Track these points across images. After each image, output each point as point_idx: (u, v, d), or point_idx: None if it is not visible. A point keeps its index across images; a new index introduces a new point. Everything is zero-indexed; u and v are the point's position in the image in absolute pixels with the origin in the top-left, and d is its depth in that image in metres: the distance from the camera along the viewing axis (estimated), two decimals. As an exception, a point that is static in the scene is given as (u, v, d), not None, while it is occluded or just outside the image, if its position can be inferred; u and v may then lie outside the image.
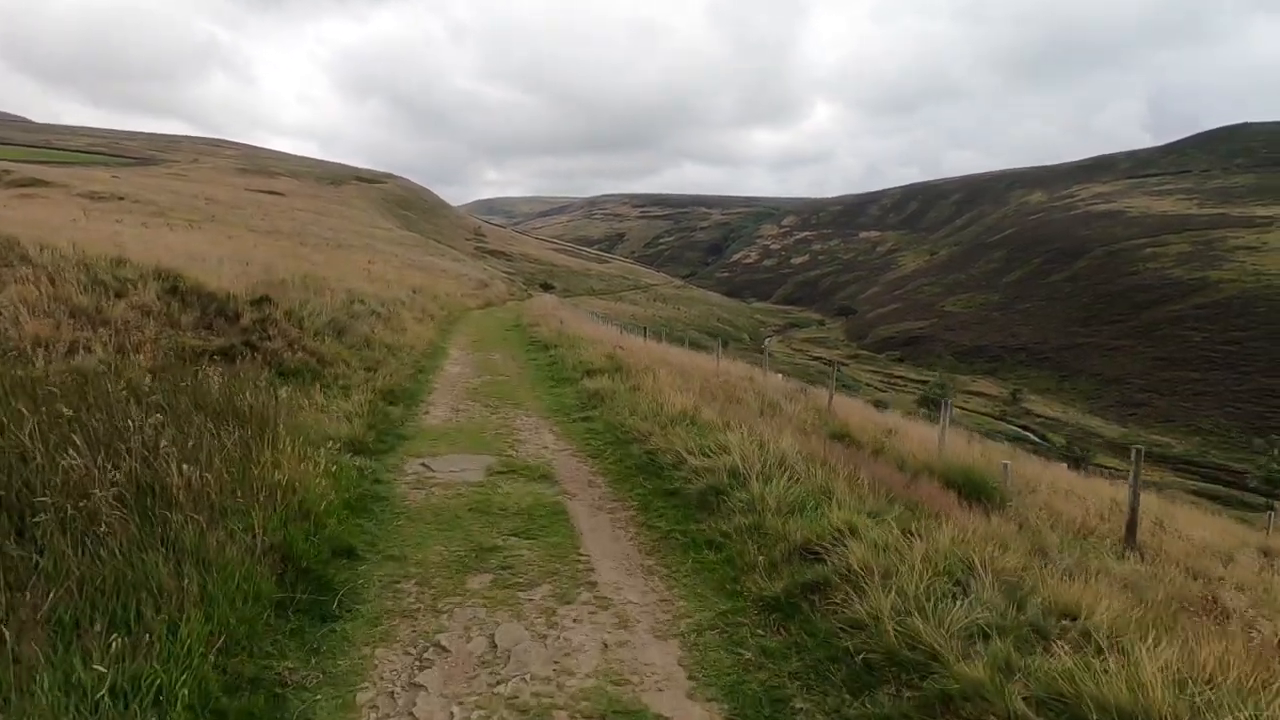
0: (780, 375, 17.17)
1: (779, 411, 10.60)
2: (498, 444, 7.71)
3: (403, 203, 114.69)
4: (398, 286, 26.39)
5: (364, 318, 13.53)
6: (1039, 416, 69.50)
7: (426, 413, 9.15)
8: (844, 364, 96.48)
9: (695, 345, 31.81)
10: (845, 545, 4.09)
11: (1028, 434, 57.31)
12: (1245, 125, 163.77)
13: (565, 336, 17.28)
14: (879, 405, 23.44)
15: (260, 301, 10.04)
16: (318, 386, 8.34)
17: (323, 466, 5.07)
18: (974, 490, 7.15)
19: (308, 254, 30.44)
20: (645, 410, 8.30)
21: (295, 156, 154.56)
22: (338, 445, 6.24)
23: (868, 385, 78.19)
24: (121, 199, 52.25)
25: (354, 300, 14.99)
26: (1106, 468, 40.39)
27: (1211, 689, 2.75)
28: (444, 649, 3.62)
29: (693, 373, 13.67)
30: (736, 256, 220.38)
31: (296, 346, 9.38)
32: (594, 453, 7.56)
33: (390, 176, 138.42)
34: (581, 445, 7.87)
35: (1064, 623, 3.40)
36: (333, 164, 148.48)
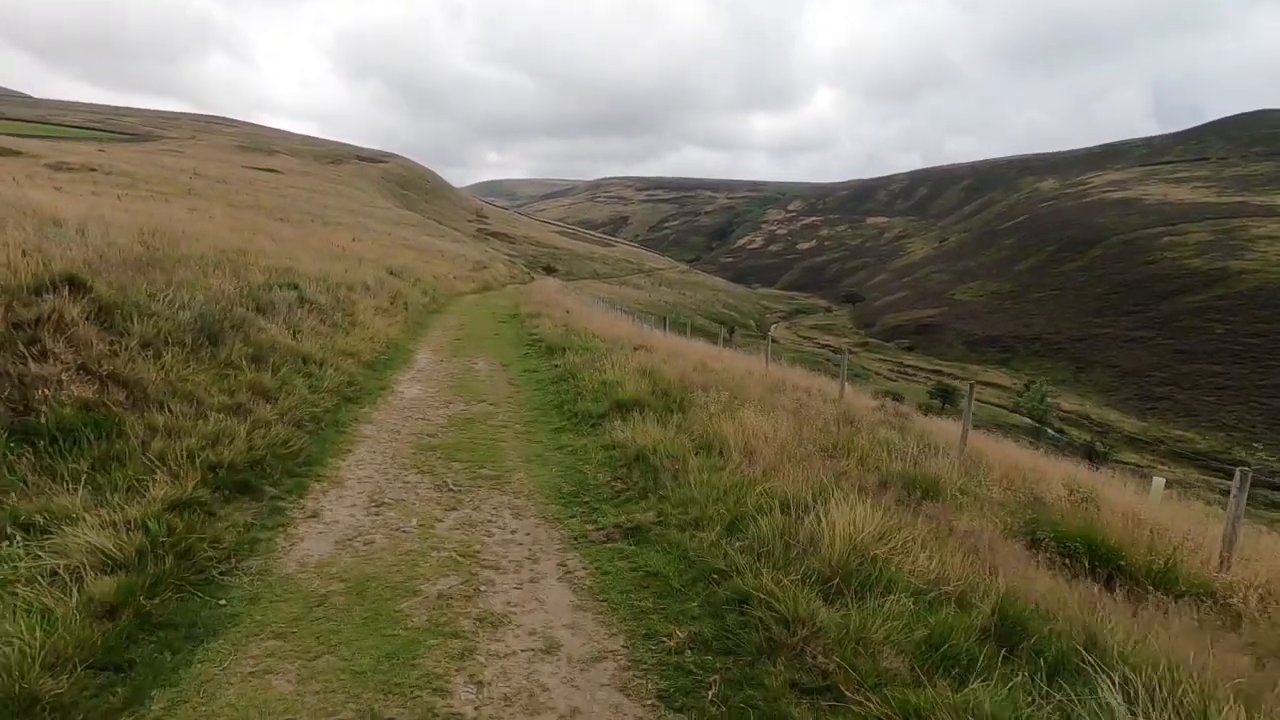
0: (848, 385, 12.97)
1: (924, 469, 6.26)
2: (437, 651, 3.19)
3: (403, 182, 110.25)
4: (372, 266, 22.07)
5: (279, 311, 9.02)
6: (1055, 410, 66.13)
7: (314, 515, 4.59)
8: (853, 352, 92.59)
9: (705, 334, 27.66)
10: None
11: (1045, 428, 53.92)
12: (1263, 113, 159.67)
13: (575, 333, 13.05)
14: (895, 396, 18.76)
15: (47, 288, 5.60)
16: (88, 462, 3.95)
17: None
18: None
19: (276, 229, 26.20)
20: (764, 530, 3.86)
21: (297, 135, 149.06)
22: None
23: (877, 374, 74.56)
24: (93, 170, 47.79)
25: (276, 284, 10.42)
26: (1128, 464, 36.60)
27: None
28: None
29: (748, 385, 9.45)
30: (741, 241, 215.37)
31: (90, 370, 4.98)
32: (674, 692, 3.02)
33: (391, 156, 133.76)
34: (634, 640, 3.37)
35: None
36: (334, 143, 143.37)
